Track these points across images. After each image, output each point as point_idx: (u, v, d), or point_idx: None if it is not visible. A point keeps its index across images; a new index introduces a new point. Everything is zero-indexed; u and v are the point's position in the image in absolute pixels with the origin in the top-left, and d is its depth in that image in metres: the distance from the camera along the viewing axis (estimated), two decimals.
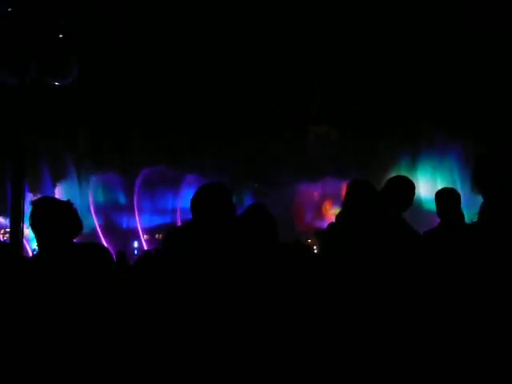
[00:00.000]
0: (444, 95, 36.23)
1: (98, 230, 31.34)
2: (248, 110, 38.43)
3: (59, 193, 32.29)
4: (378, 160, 33.81)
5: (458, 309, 4.12)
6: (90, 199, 33.76)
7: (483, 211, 5.52)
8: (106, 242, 29.45)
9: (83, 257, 2.92)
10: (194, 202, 3.47)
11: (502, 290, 4.29)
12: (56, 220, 2.96)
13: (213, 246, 3.12)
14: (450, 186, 5.75)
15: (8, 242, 8.49)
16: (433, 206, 4.74)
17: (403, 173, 28.61)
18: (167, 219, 35.40)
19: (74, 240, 3.02)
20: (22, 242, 7.52)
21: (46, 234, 2.96)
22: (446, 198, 4.61)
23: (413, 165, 34.72)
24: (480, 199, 3.63)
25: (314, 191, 37.61)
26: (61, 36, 7.49)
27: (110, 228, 33.39)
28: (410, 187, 4.30)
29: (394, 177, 4.44)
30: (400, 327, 3.62)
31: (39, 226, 2.98)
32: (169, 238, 3.26)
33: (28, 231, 8.29)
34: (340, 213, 4.17)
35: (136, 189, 34.80)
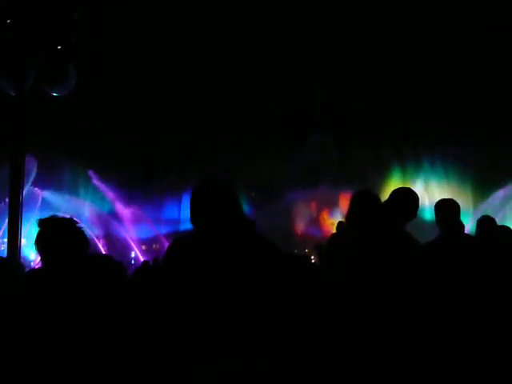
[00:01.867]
0: (444, 98, 36.25)
1: (96, 240, 31.24)
2: (244, 117, 38.39)
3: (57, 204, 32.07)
4: (376, 168, 33.80)
5: (459, 319, 4.12)
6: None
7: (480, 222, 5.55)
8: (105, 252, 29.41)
9: (93, 269, 2.92)
10: (193, 205, 2.92)
11: (501, 300, 4.30)
12: (64, 240, 2.95)
13: (220, 258, 2.79)
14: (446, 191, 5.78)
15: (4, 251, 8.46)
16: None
17: (399, 180, 28.66)
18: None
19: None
20: (20, 252, 7.50)
21: (54, 254, 2.96)
22: (446, 208, 4.60)
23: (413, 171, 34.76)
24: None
25: (312, 201, 37.56)
26: (59, 47, 7.51)
27: (107, 238, 33.26)
28: (414, 199, 4.29)
29: (398, 188, 4.45)
30: (401, 340, 3.61)
31: (47, 247, 2.98)
32: (171, 249, 2.93)
33: (24, 241, 8.29)
34: (340, 223, 4.18)
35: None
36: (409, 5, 38.32)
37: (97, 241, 30.57)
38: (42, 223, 3.02)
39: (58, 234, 2.97)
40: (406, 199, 4.26)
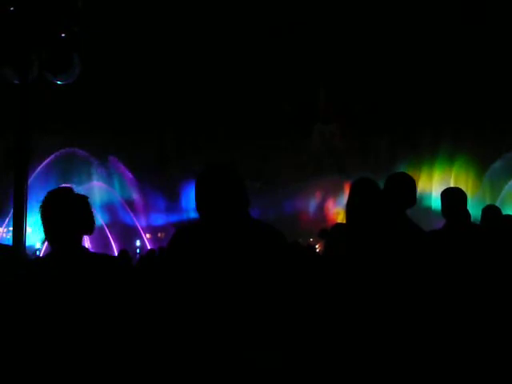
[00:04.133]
0: (446, 95, 36.23)
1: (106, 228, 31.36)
2: (250, 108, 38.37)
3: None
4: (380, 158, 33.76)
5: (463, 309, 4.11)
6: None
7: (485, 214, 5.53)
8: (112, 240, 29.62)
9: (94, 268, 2.79)
10: (197, 191, 2.82)
11: (506, 291, 4.29)
12: (68, 213, 2.77)
13: (223, 249, 2.73)
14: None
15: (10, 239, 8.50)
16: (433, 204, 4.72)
17: (406, 170, 28.60)
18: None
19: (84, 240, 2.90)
20: (25, 241, 7.52)
21: (54, 228, 2.78)
22: (452, 197, 4.57)
23: (416, 162, 34.62)
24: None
25: (316, 190, 37.52)
26: (63, 35, 7.49)
27: (116, 225, 33.29)
28: (412, 184, 4.17)
29: (395, 174, 4.28)
30: (405, 326, 3.60)
31: (49, 218, 2.79)
32: (174, 238, 2.86)
33: (30, 229, 8.31)
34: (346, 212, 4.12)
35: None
36: (411, 6, 38.27)
37: (105, 227, 30.71)
38: (54, 195, 2.84)
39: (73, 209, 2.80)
40: (405, 185, 4.13)
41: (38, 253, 20.63)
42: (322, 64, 39.21)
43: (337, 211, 32.06)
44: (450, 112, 34.67)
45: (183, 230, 2.94)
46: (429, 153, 35.22)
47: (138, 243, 33.81)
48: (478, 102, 34.88)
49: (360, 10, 39.75)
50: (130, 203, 35.24)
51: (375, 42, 38.52)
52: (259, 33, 39.13)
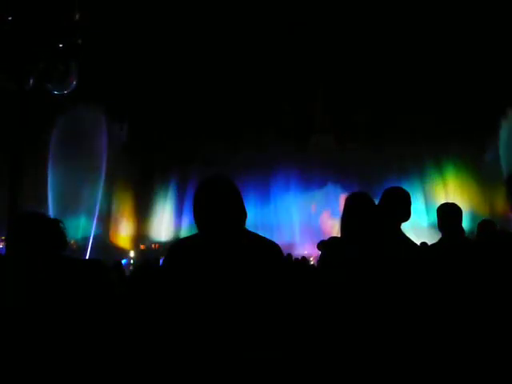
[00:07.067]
0: (447, 104, 36.25)
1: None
2: (247, 115, 38.31)
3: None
4: (378, 170, 33.68)
5: (458, 320, 4.12)
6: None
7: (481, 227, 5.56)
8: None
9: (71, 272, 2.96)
10: (197, 204, 2.83)
11: (501, 303, 4.30)
12: (36, 235, 3.04)
13: (220, 261, 2.75)
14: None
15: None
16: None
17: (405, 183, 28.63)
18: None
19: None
20: None
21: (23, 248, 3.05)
22: (447, 212, 4.60)
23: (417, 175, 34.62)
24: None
25: (312, 201, 37.45)
26: (61, 45, 7.52)
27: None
28: (407, 198, 4.18)
29: (390, 188, 4.28)
30: (400, 339, 3.60)
31: (19, 240, 3.07)
32: (171, 250, 2.89)
33: None
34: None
35: None
36: (413, 12, 38.49)
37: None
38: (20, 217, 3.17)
39: (30, 229, 3.08)
40: (399, 199, 4.14)
41: None
42: (322, 69, 39.30)
43: (332, 224, 32.01)
44: (453, 121, 34.66)
45: (180, 243, 2.96)
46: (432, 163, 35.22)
47: (131, 254, 33.72)
48: (479, 109, 34.88)
49: (360, 12, 39.88)
50: (124, 213, 35.19)
51: (376, 47, 38.63)
52: (259, 35, 39.19)
